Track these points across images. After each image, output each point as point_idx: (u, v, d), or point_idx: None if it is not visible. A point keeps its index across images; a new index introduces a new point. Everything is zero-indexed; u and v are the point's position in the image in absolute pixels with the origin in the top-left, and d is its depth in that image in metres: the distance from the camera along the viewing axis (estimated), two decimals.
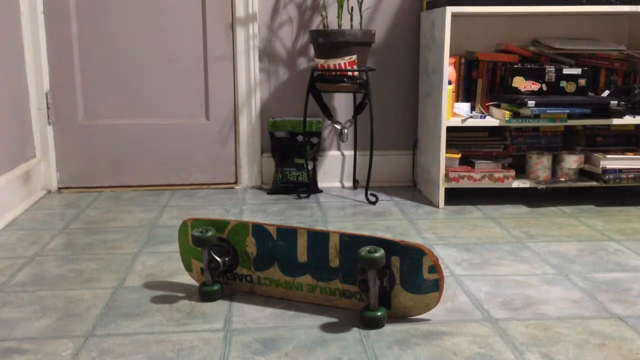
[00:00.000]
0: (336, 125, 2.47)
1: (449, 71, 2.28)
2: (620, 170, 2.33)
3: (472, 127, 2.51)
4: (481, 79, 2.51)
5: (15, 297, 1.56)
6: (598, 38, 2.63)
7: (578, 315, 1.44)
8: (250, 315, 1.45)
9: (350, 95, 2.67)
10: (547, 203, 2.40)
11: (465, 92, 2.53)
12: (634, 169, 2.34)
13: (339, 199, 2.50)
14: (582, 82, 2.35)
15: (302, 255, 1.48)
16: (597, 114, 2.30)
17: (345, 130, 2.46)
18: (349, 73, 2.32)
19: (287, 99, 2.67)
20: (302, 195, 2.54)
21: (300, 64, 2.65)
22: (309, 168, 2.59)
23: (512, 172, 2.34)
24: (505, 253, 1.86)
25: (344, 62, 2.30)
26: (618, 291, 1.57)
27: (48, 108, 2.58)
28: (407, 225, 2.14)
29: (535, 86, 2.35)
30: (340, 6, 2.41)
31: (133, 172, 2.67)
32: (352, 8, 2.49)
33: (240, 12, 2.57)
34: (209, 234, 1.50)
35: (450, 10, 2.21)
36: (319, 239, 1.45)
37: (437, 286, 1.37)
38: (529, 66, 2.37)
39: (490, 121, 2.33)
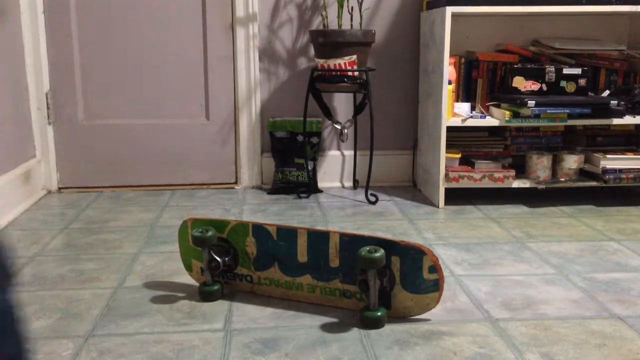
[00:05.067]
0: (336, 125, 2.47)
1: (449, 71, 2.28)
2: (620, 170, 2.33)
3: (472, 127, 2.51)
4: (481, 79, 2.51)
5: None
6: (598, 38, 2.63)
7: (578, 315, 1.44)
8: (250, 315, 1.45)
9: (350, 95, 2.67)
10: (547, 203, 2.40)
11: (465, 92, 2.53)
12: (634, 169, 2.34)
13: (339, 199, 2.50)
14: (582, 82, 2.35)
15: (302, 255, 1.48)
16: (597, 114, 2.30)
17: (345, 130, 2.46)
18: (349, 73, 2.32)
19: (287, 99, 2.67)
20: (302, 195, 2.53)
21: (300, 64, 2.65)
22: (309, 168, 2.59)
23: (512, 172, 2.34)
24: (505, 253, 1.86)
25: (344, 62, 2.30)
26: (618, 291, 1.57)
27: (48, 108, 2.58)
28: (407, 225, 2.13)
29: (535, 86, 2.35)
30: (341, 6, 2.41)
31: (133, 172, 2.67)
32: (352, 8, 2.49)
33: (240, 12, 2.57)
34: (209, 234, 1.50)
35: (450, 10, 2.21)
36: (319, 239, 1.45)
37: (437, 286, 1.37)
38: (529, 66, 2.36)
39: (490, 121, 2.33)
